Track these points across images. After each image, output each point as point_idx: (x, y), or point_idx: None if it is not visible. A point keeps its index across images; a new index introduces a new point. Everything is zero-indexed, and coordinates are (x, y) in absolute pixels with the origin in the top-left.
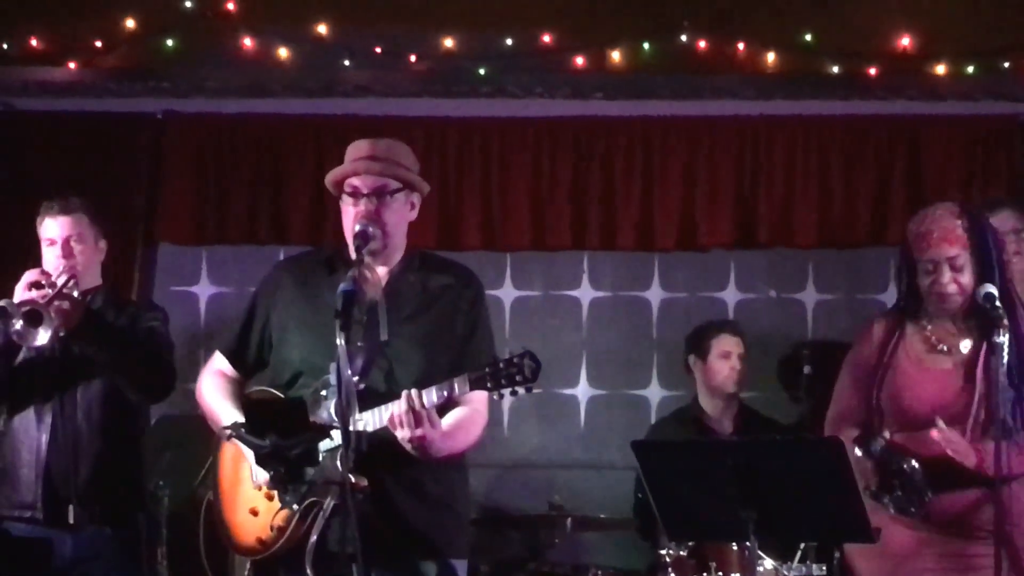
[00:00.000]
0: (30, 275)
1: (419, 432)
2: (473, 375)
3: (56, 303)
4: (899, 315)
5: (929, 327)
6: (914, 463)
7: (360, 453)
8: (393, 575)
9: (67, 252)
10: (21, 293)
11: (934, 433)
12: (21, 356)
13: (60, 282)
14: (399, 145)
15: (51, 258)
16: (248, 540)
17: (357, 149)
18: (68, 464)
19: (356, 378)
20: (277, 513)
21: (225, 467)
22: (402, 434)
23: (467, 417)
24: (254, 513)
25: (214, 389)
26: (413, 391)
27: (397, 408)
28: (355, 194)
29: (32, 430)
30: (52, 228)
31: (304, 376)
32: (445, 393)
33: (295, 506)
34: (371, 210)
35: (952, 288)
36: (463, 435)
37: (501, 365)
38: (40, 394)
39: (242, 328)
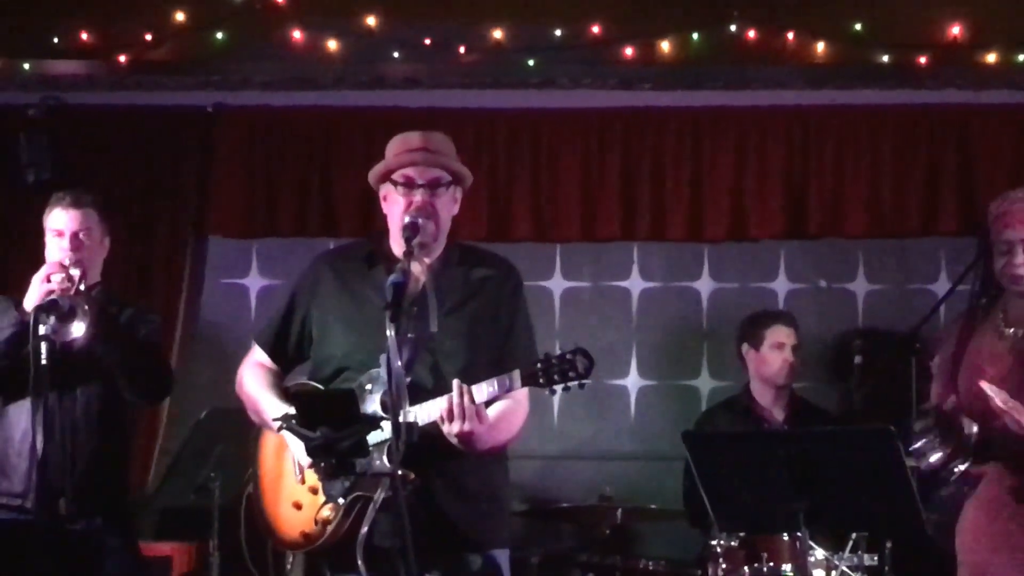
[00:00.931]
0: (48, 268)
1: (468, 427)
2: (526, 371)
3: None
4: (976, 303)
5: (1004, 312)
6: (972, 424)
7: (411, 445)
8: (437, 568)
9: (76, 246)
10: (41, 286)
11: (985, 387)
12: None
13: (76, 275)
14: (445, 137)
15: (55, 250)
16: (292, 533)
17: (408, 141)
18: (64, 457)
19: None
20: (322, 507)
21: (267, 459)
22: (451, 428)
23: (509, 409)
24: (297, 507)
25: (256, 380)
26: (464, 386)
27: (448, 403)
28: (408, 184)
29: (25, 421)
30: (61, 220)
31: (347, 371)
32: (496, 388)
33: (340, 500)
34: (425, 201)
35: None
36: (506, 427)
37: (554, 361)
38: (45, 386)
39: (281, 322)
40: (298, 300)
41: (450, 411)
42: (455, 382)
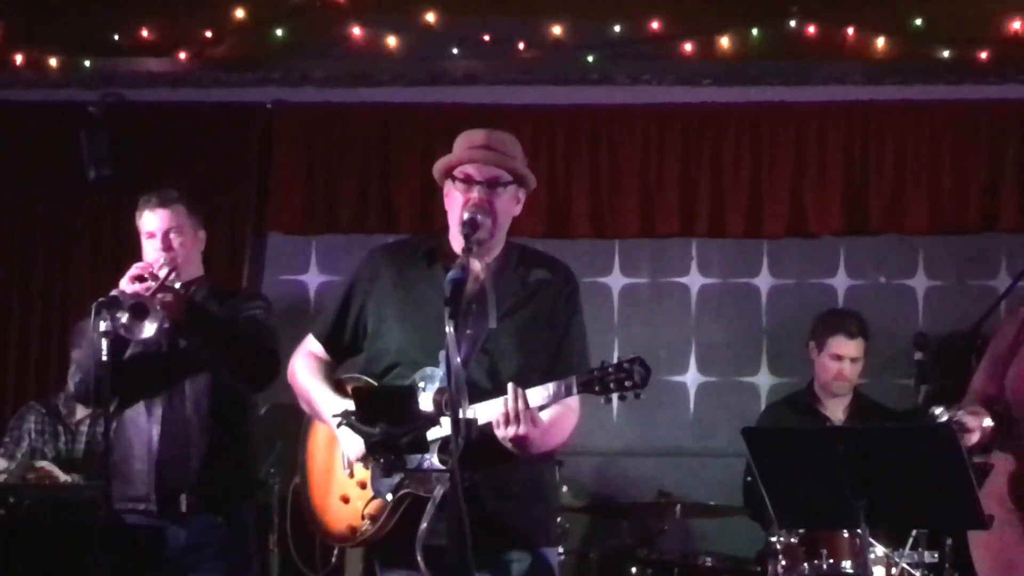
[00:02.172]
0: (134, 269)
1: (523, 431)
2: (582, 378)
3: (159, 296)
4: None
5: None
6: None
7: (469, 443)
8: (486, 566)
9: (167, 244)
10: (125, 287)
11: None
12: (129, 350)
13: (162, 275)
14: (512, 139)
15: (150, 251)
16: (338, 527)
17: (471, 138)
18: (179, 455)
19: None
20: (369, 502)
21: (316, 451)
22: (506, 432)
23: (562, 415)
24: (345, 500)
25: (309, 371)
26: (520, 390)
27: (504, 406)
28: (468, 181)
29: (143, 423)
30: (151, 221)
31: (400, 367)
32: (551, 393)
33: (389, 496)
34: (483, 199)
35: None
36: (558, 432)
37: (611, 369)
38: (149, 387)
39: (337, 314)
40: (355, 293)
41: (506, 415)
42: (510, 386)
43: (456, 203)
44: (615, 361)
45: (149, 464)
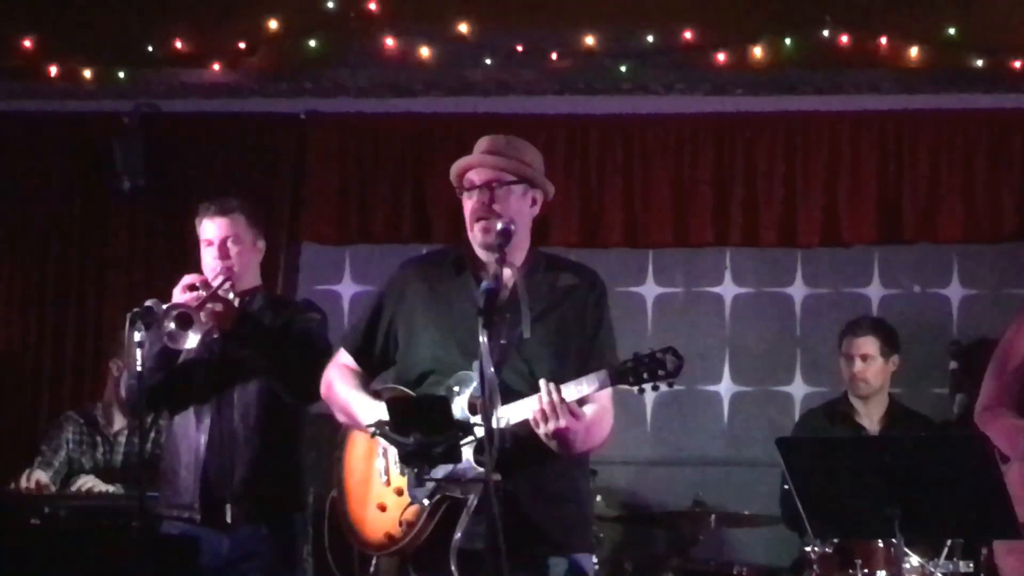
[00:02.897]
0: (188, 278)
1: (563, 423)
2: (615, 369)
3: (209, 306)
4: None
5: None
6: None
7: (503, 450)
8: (522, 570)
9: (223, 253)
10: (177, 296)
11: None
12: (181, 358)
13: (216, 284)
14: (519, 141)
15: (208, 259)
16: (376, 536)
17: (476, 145)
18: (224, 464)
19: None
20: (407, 508)
21: (353, 462)
22: (547, 428)
23: (599, 414)
24: (382, 508)
25: (345, 382)
26: (552, 384)
27: (539, 403)
28: (470, 188)
29: (191, 431)
30: (209, 229)
31: (435, 375)
32: (585, 387)
33: (425, 502)
34: (483, 202)
35: None
36: (598, 431)
37: (644, 360)
38: (199, 395)
39: (367, 327)
40: (385, 305)
41: (542, 411)
42: (542, 382)
43: (465, 209)
44: (647, 352)
45: (196, 473)
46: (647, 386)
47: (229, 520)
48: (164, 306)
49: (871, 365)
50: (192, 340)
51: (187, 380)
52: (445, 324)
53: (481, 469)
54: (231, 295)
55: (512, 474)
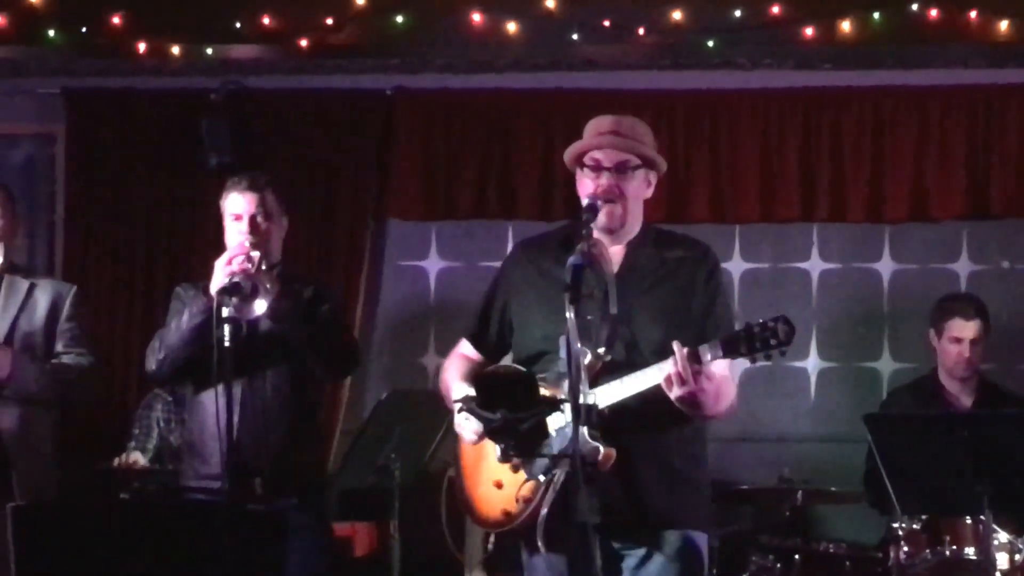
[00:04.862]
0: (233, 250)
1: (694, 387)
2: (727, 338)
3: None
4: None
5: None
6: None
7: (592, 424)
8: (636, 546)
9: (253, 227)
10: (224, 269)
11: None
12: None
13: (255, 256)
14: (641, 123)
15: (234, 233)
16: (493, 513)
17: (599, 124)
18: (257, 438)
19: (602, 350)
20: (523, 485)
21: (467, 443)
22: (680, 391)
23: (722, 382)
24: (498, 486)
25: (453, 370)
26: (685, 349)
27: (673, 366)
28: (596, 167)
29: (221, 404)
30: (239, 203)
31: (549, 354)
32: (698, 355)
33: (541, 477)
34: (612, 184)
35: None
36: (724, 398)
37: (756, 329)
38: (232, 369)
39: (482, 311)
40: (498, 289)
41: (677, 374)
42: (675, 344)
43: (586, 189)
44: (758, 321)
45: (226, 444)
46: (759, 356)
47: (258, 492)
48: (228, 277)
49: (977, 348)
50: (260, 307)
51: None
52: (555, 301)
53: (594, 443)
54: (263, 267)
55: (635, 448)
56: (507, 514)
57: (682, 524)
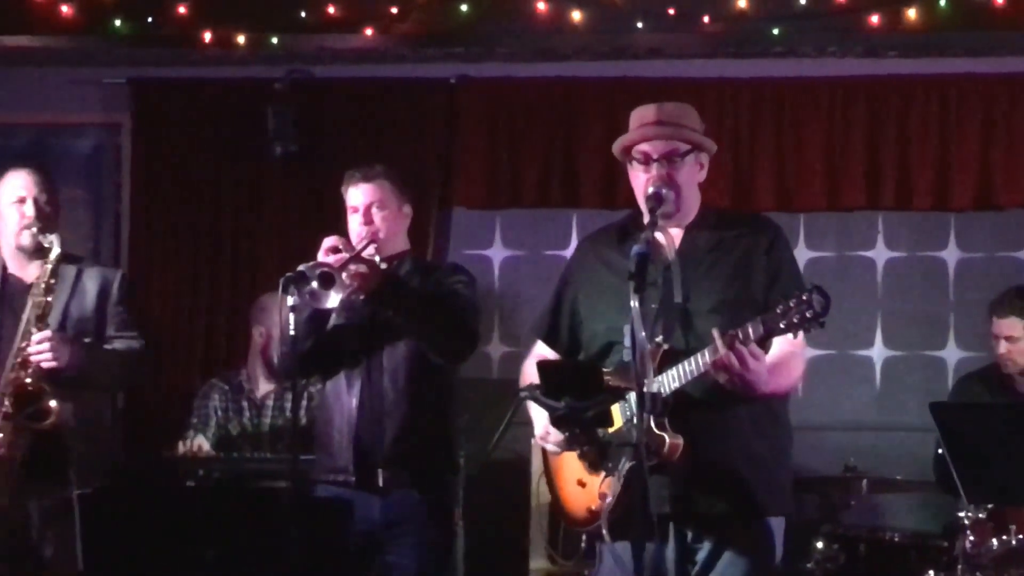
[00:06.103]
0: (329, 241)
1: (740, 369)
2: (766, 317)
3: (352, 267)
4: None
5: None
6: None
7: (659, 413)
8: (708, 536)
9: (368, 219)
10: (320, 258)
11: None
12: (331, 322)
13: (359, 247)
14: (684, 107)
15: (354, 225)
16: (580, 512)
17: (642, 115)
18: (375, 428)
19: (660, 338)
20: (603, 480)
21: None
22: (724, 377)
23: (784, 356)
24: (581, 484)
25: (532, 370)
26: (724, 335)
27: (710, 354)
28: (645, 160)
29: (343, 395)
30: (355, 196)
31: (617, 344)
32: (739, 337)
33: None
34: (663, 175)
35: None
36: (785, 372)
37: (791, 304)
38: (349, 360)
39: (552, 310)
40: (565, 288)
41: (719, 361)
42: (714, 332)
43: (639, 181)
44: (793, 296)
45: (349, 436)
46: (799, 329)
47: (381, 484)
48: (305, 265)
49: (1016, 345)
50: (334, 300)
51: (337, 345)
52: (619, 292)
53: (660, 432)
54: (376, 258)
55: (703, 434)
56: (591, 511)
57: (760, 511)
